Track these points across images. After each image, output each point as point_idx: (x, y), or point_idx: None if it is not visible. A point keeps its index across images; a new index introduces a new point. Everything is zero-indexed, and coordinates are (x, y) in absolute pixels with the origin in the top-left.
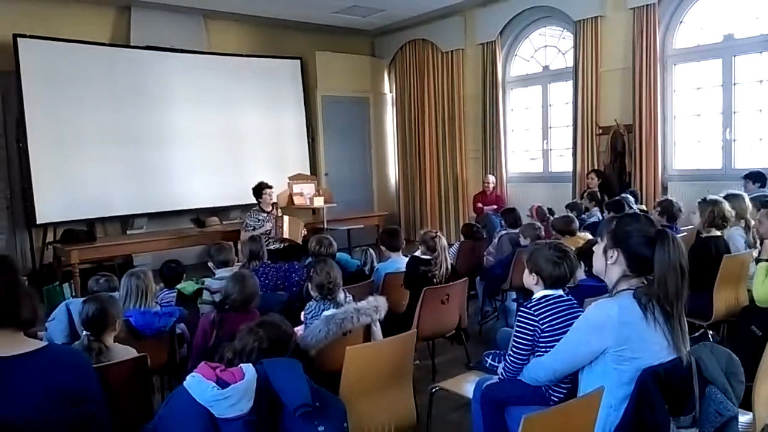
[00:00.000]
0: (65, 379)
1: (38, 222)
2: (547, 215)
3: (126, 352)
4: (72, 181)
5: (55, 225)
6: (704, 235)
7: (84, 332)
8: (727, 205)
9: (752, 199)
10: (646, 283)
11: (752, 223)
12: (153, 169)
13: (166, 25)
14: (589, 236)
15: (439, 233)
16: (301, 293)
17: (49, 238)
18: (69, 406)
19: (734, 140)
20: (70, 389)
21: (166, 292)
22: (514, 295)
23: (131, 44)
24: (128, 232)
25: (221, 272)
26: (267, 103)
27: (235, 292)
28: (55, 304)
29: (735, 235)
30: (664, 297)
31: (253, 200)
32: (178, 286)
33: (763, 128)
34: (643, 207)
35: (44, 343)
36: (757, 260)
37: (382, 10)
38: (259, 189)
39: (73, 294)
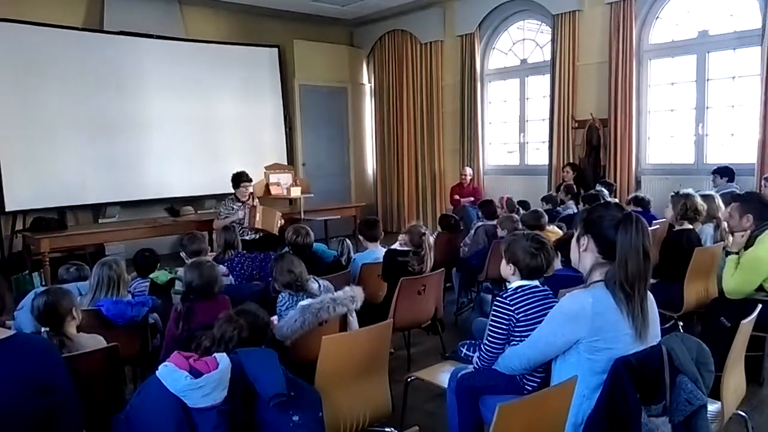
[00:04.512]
0: (33, 369)
1: (7, 209)
2: (516, 206)
3: (93, 341)
4: (43, 168)
5: (25, 213)
6: (676, 228)
7: (42, 328)
8: (699, 199)
9: (722, 195)
10: None
11: (723, 223)
12: (126, 156)
13: (141, 10)
14: (558, 230)
15: (427, 231)
16: None
17: (19, 226)
18: (37, 395)
19: (706, 135)
20: (38, 378)
21: (139, 281)
22: (490, 285)
23: (105, 29)
24: (100, 221)
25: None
26: (243, 91)
27: (194, 279)
28: (25, 293)
29: (706, 233)
30: (625, 278)
31: (229, 189)
32: (151, 275)
33: (735, 124)
34: (616, 200)
35: (12, 332)
36: (728, 253)
37: (361, 0)
38: (238, 180)
39: (43, 283)
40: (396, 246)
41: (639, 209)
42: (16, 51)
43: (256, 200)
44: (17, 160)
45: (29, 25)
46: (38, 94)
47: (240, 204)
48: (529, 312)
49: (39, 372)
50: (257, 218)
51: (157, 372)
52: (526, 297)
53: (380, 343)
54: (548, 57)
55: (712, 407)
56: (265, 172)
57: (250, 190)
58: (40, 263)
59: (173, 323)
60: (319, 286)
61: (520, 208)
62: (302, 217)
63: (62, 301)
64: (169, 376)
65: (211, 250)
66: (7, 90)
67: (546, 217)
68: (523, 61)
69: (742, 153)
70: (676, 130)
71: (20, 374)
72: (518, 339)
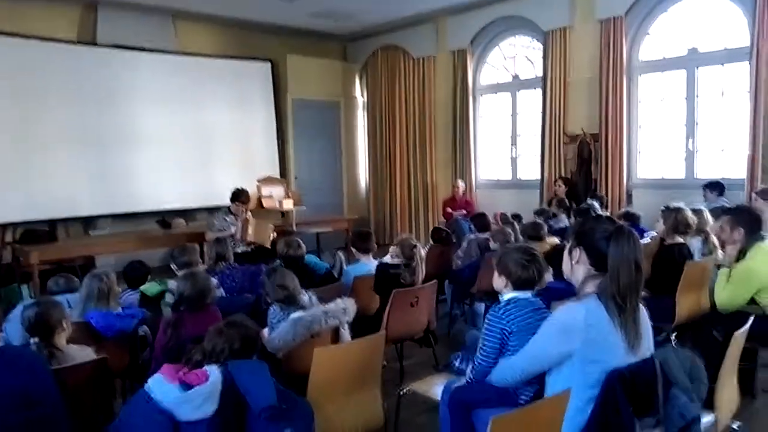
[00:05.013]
0: (21, 381)
1: None
2: (511, 221)
3: (82, 353)
4: (33, 180)
5: (15, 224)
6: (668, 242)
7: (32, 339)
8: (689, 212)
9: (713, 209)
10: None
11: (711, 236)
12: (118, 169)
13: (134, 24)
14: (556, 241)
15: (418, 244)
16: None
17: (8, 238)
18: (25, 407)
19: (696, 150)
20: (26, 391)
21: (129, 293)
22: (483, 297)
23: (98, 42)
24: (91, 233)
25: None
26: (236, 104)
27: (187, 289)
28: (13, 305)
29: (694, 247)
30: (617, 290)
31: (221, 202)
32: (142, 288)
33: (724, 139)
34: (608, 213)
35: None
36: (719, 266)
37: (355, 16)
38: (237, 197)
39: (32, 295)
40: (387, 259)
41: (630, 224)
42: (8, 64)
43: (248, 213)
44: (8, 171)
45: (22, 38)
46: (30, 107)
47: (233, 217)
48: (521, 324)
49: (27, 384)
50: (249, 231)
51: (146, 384)
52: (518, 309)
53: (373, 355)
54: (539, 72)
55: (706, 419)
56: (257, 185)
57: (243, 209)
58: (30, 275)
59: (162, 333)
60: (309, 298)
61: (515, 222)
62: (294, 229)
63: (52, 312)
64: (159, 389)
65: (202, 263)
66: None
67: (546, 228)
68: (515, 76)
69: (732, 168)
70: (667, 144)
71: (8, 386)
72: (511, 351)
